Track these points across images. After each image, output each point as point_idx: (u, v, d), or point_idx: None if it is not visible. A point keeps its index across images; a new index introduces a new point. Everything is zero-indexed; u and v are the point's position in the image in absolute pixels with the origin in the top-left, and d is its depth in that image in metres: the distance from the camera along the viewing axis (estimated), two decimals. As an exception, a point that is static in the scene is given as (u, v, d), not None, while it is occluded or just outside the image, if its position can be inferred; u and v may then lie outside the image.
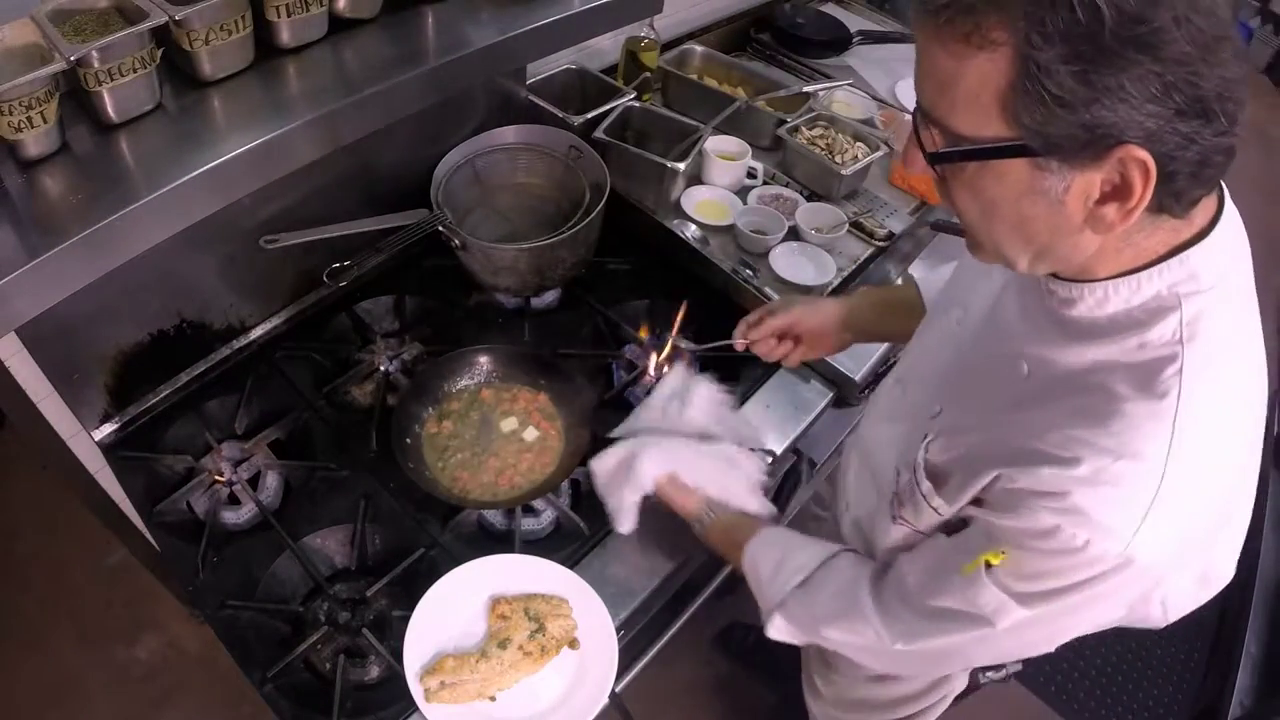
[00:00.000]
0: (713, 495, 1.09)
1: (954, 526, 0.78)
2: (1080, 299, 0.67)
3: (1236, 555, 0.74)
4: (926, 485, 0.79)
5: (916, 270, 1.17)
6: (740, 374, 1.36)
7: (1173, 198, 0.58)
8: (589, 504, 1.18)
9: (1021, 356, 0.73)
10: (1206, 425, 0.63)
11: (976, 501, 0.74)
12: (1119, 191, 0.57)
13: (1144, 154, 0.54)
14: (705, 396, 1.22)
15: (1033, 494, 0.66)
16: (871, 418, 1.07)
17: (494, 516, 1.19)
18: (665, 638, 1.22)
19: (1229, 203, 0.66)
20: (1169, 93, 0.52)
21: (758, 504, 1.11)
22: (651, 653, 1.18)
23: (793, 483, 1.55)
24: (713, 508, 1.08)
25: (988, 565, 0.70)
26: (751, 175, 1.62)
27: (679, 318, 1.27)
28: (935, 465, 0.80)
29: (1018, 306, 0.76)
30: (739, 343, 1.20)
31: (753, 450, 1.18)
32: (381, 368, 1.34)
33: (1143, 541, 0.62)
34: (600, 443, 1.17)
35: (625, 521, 1.11)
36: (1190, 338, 0.63)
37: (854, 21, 2.15)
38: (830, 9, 2.22)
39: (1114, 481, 0.63)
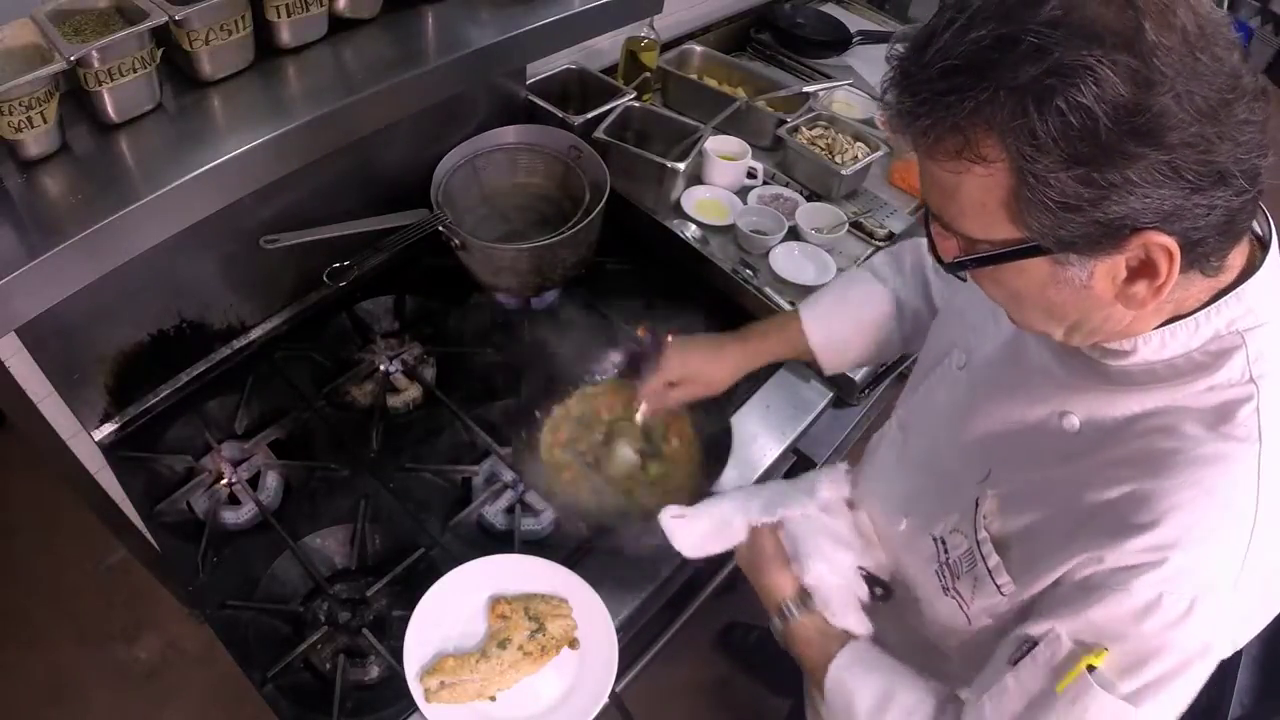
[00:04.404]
0: (809, 581, 0.91)
1: (1017, 653, 0.70)
2: (1135, 350, 0.64)
3: None
4: (995, 560, 0.75)
5: (805, 307, 1.10)
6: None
7: (1203, 259, 0.57)
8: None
9: (1068, 411, 0.70)
10: None
11: (1046, 597, 0.69)
12: (1146, 269, 0.55)
13: (1164, 238, 0.52)
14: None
15: (1122, 570, 0.62)
16: (875, 464, 0.99)
17: (494, 516, 1.19)
18: (665, 638, 1.22)
19: (1274, 232, 0.63)
20: (1179, 174, 0.50)
21: (856, 620, 0.90)
22: (651, 653, 1.18)
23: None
24: (803, 600, 0.91)
25: (1090, 669, 0.64)
26: (751, 175, 1.62)
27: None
28: (995, 535, 0.76)
29: (1052, 356, 0.72)
30: (641, 412, 1.15)
31: (861, 570, 0.94)
32: (381, 368, 1.34)
33: (1242, 589, 0.61)
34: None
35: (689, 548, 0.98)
36: (1261, 375, 0.61)
37: (854, 21, 2.15)
38: (830, 9, 2.22)
39: (1206, 535, 0.60)
